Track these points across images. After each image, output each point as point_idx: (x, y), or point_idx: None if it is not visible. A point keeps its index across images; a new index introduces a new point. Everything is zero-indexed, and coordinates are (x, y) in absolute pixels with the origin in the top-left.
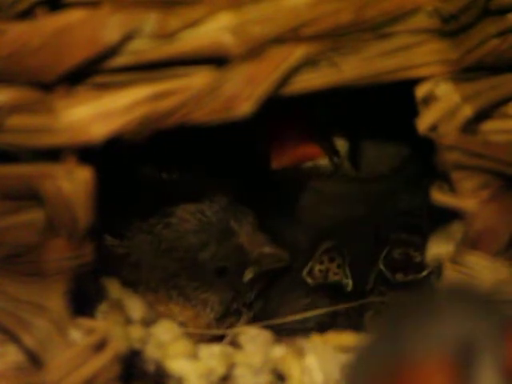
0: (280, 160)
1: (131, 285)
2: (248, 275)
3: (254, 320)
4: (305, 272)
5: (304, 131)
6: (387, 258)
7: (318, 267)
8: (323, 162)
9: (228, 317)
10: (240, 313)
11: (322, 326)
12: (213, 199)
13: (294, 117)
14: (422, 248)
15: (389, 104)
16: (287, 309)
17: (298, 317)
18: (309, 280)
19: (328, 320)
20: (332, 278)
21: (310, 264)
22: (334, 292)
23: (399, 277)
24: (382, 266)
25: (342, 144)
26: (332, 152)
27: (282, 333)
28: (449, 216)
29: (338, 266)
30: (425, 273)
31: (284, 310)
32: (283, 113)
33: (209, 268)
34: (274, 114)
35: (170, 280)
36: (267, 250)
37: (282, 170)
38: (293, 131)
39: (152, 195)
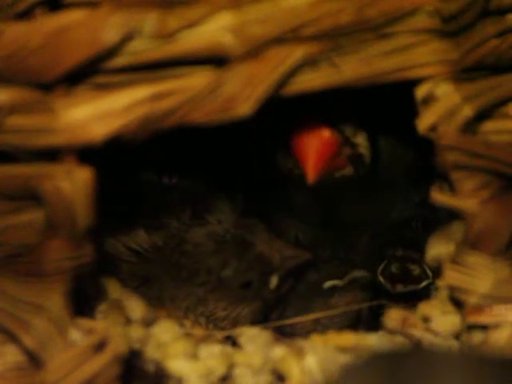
0: (315, 175)
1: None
2: (273, 282)
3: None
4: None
5: (332, 142)
6: (385, 272)
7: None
8: (348, 171)
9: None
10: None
11: (322, 327)
12: (220, 218)
13: (320, 126)
14: (419, 261)
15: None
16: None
17: (299, 319)
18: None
19: (329, 321)
20: None
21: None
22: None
23: (399, 288)
24: (381, 279)
25: (366, 151)
26: (358, 161)
27: (288, 335)
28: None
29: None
30: (424, 283)
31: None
32: (307, 122)
33: (234, 285)
34: (297, 123)
35: (196, 308)
36: (288, 252)
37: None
38: (321, 142)
39: (153, 206)
